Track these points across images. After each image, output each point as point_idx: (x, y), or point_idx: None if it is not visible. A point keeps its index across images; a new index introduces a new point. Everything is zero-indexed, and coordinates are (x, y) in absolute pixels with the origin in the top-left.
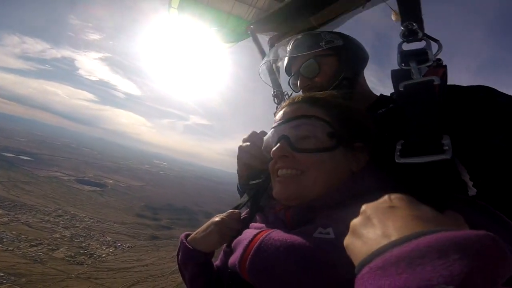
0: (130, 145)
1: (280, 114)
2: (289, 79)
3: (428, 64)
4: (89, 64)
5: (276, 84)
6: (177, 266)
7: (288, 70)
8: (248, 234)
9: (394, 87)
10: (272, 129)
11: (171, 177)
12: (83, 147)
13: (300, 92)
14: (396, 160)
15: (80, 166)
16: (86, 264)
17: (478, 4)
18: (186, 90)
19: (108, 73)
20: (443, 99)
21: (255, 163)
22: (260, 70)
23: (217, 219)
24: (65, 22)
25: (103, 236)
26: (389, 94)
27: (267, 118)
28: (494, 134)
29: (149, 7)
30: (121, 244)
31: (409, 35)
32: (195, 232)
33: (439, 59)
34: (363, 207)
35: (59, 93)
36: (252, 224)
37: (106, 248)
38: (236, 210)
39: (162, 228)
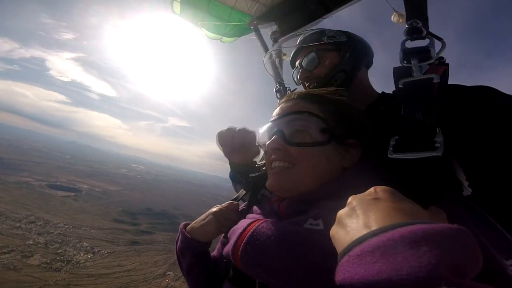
0: (105, 148)
1: (277, 110)
2: (293, 72)
3: (429, 62)
4: (61, 64)
5: (278, 78)
6: (159, 271)
7: (292, 63)
8: (242, 223)
9: (395, 84)
10: (269, 123)
11: (150, 181)
12: (54, 151)
13: (301, 85)
14: (389, 155)
15: (51, 171)
16: (64, 270)
17: (449, 7)
18: (164, 91)
19: (82, 73)
20: (442, 97)
21: (223, 146)
22: (264, 61)
23: (215, 209)
24: (37, 20)
25: (80, 242)
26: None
27: (248, 120)
28: (495, 134)
29: (127, 6)
30: (99, 250)
31: (413, 32)
32: (194, 222)
33: (442, 58)
34: (350, 198)
35: (28, 94)
36: (249, 215)
37: (84, 254)
38: (235, 202)
39: (142, 233)
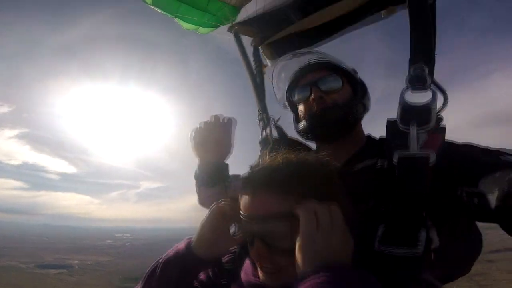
0: (83, 225)
1: (247, 202)
2: (287, 93)
3: (428, 128)
4: (5, 145)
5: (261, 103)
6: None
7: (295, 80)
8: None
9: (387, 153)
10: (244, 219)
11: (140, 246)
12: (28, 235)
13: (288, 108)
14: (375, 246)
15: (34, 253)
16: None
17: (377, 42)
18: (128, 157)
19: (31, 153)
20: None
21: (200, 145)
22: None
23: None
24: None
25: None
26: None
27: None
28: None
29: (64, 68)
30: None
31: (417, 80)
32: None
33: (440, 118)
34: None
35: None
36: (243, 272)
37: None
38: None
39: None
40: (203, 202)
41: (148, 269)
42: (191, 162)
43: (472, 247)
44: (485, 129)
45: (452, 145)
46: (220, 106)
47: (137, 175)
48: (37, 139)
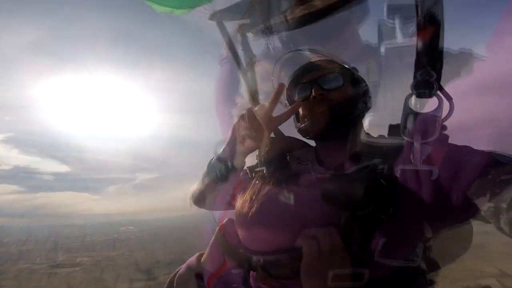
0: (85, 222)
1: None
2: (287, 92)
3: (431, 139)
4: None
5: (255, 100)
6: None
7: (295, 78)
8: None
9: (388, 163)
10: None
11: (145, 237)
12: (36, 237)
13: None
14: (375, 258)
15: (45, 254)
16: None
17: None
18: (121, 150)
19: (21, 156)
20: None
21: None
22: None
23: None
24: None
25: None
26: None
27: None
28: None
29: (43, 65)
30: None
31: (423, 87)
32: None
33: (444, 126)
34: None
35: None
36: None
37: None
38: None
39: (163, 284)
40: (204, 197)
41: (165, 285)
42: (183, 148)
43: (463, 240)
44: (470, 100)
45: (451, 148)
46: (208, 98)
47: (132, 167)
48: (24, 142)
